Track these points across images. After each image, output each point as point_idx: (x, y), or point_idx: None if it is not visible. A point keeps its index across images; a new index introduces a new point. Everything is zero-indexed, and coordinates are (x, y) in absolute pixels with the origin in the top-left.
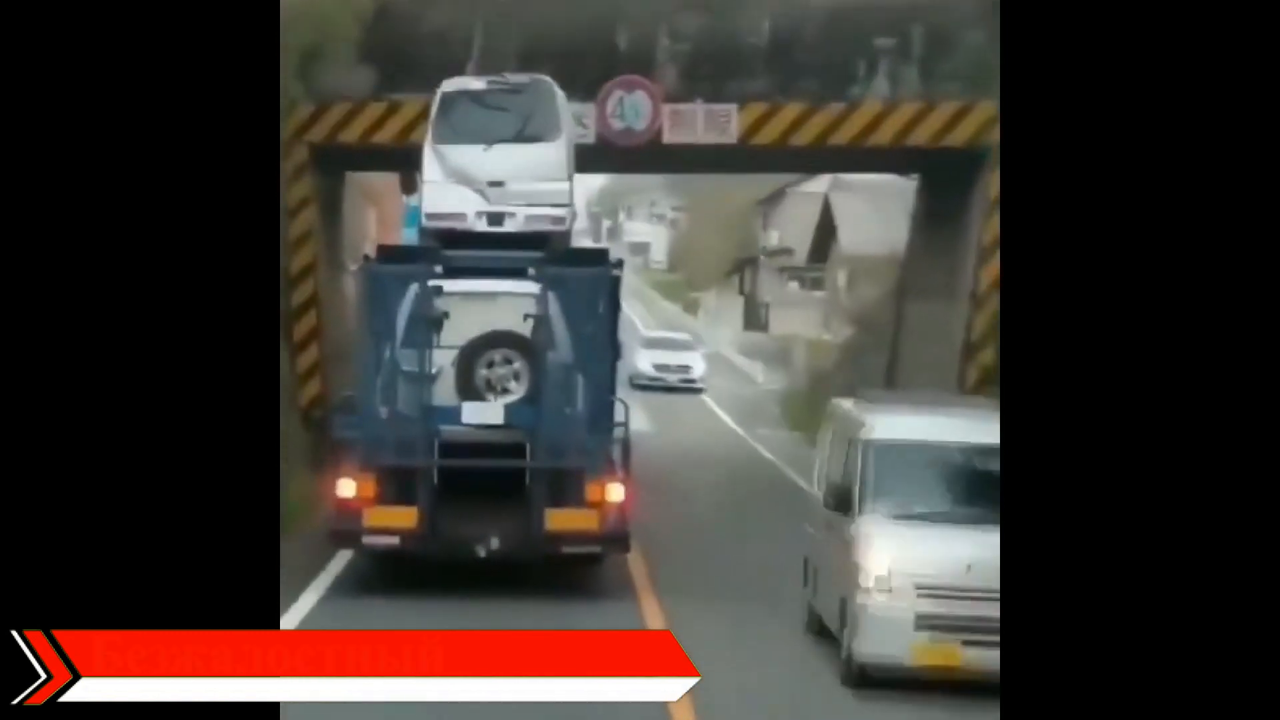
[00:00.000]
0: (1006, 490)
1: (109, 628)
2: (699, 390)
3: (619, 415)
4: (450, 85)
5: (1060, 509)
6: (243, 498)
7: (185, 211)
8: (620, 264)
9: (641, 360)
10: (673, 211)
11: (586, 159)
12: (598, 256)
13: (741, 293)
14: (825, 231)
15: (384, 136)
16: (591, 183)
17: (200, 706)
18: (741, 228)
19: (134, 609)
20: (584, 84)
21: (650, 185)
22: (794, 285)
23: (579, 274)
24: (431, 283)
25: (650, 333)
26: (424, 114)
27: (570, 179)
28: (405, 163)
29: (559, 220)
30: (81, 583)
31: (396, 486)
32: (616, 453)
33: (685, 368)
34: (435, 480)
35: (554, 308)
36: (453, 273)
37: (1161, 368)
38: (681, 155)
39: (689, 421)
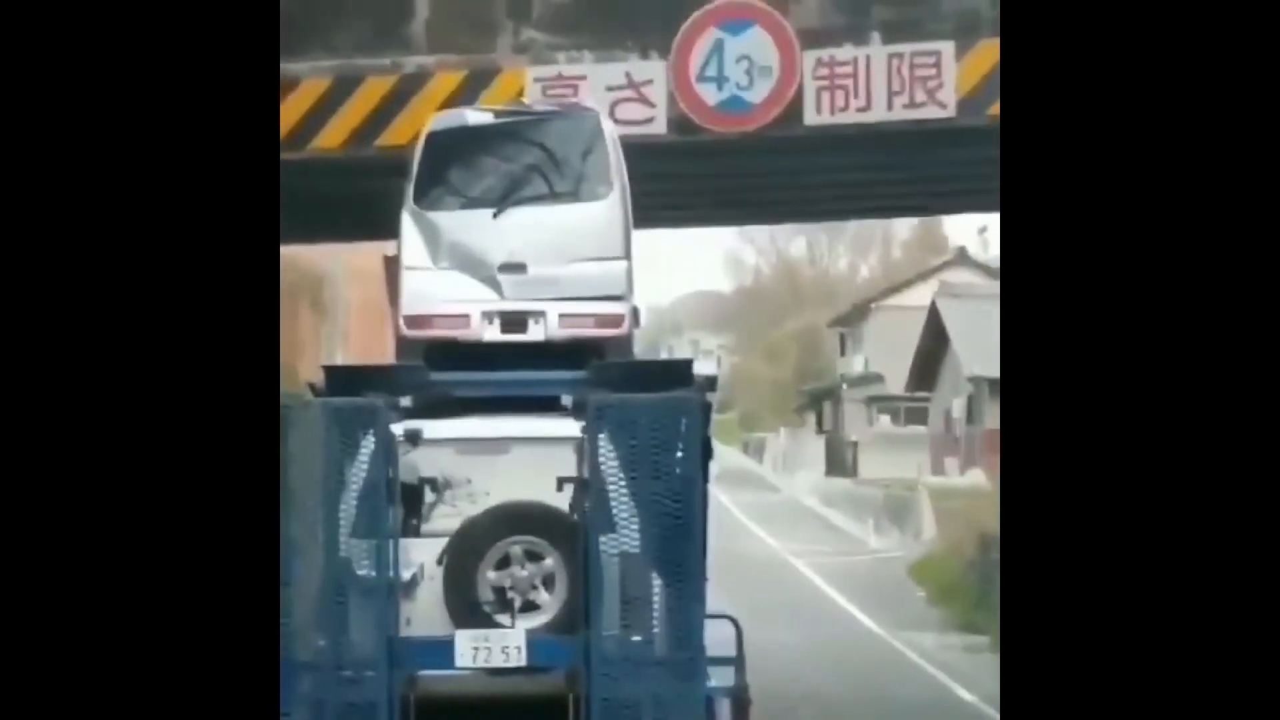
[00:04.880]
0: (1006, 496)
1: None
2: None
3: (713, 638)
4: (441, 121)
5: (1059, 514)
6: None
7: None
8: (713, 383)
9: None
10: (719, 349)
11: (644, 168)
12: (676, 372)
13: (820, 431)
14: (932, 351)
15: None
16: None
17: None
18: (805, 355)
19: None
20: (645, 23)
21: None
22: (886, 420)
23: (648, 404)
24: (404, 426)
25: None
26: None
27: (629, 255)
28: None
29: (613, 321)
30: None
31: None
32: (722, 711)
33: None
34: None
35: (608, 462)
36: (441, 409)
37: (1165, 387)
38: (835, 151)
39: (789, 617)
